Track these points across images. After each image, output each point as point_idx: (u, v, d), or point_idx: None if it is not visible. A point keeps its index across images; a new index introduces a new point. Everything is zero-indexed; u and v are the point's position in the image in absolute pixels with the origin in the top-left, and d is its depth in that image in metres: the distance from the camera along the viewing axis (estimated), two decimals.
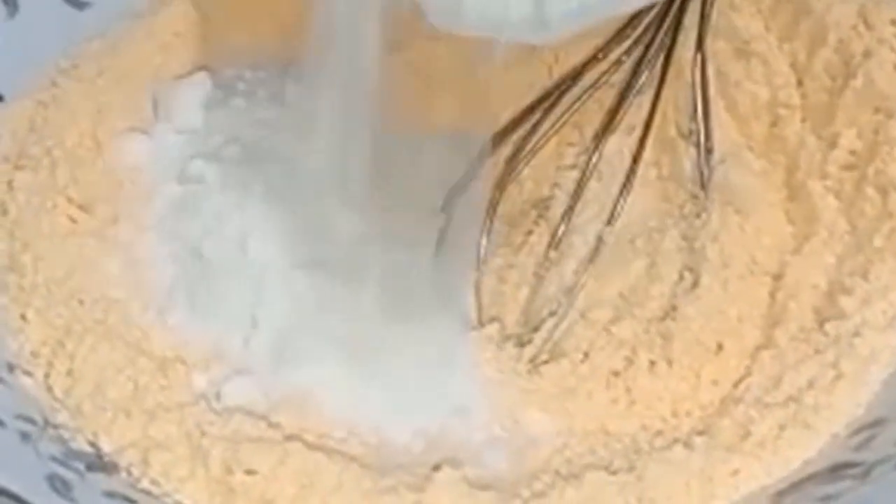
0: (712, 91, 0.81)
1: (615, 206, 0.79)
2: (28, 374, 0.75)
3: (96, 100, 0.84)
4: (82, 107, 0.84)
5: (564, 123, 0.82)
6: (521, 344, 0.78)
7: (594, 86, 0.83)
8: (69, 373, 0.75)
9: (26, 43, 0.84)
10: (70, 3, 0.86)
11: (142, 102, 0.86)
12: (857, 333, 0.74)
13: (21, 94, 0.84)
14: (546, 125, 0.82)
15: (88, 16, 0.86)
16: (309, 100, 0.77)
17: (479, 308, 0.79)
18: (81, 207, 0.81)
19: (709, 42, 0.82)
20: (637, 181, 0.80)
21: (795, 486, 0.70)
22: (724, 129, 0.82)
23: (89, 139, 0.83)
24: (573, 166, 0.83)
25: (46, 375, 0.75)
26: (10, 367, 0.75)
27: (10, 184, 0.81)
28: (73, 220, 0.80)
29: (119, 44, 0.86)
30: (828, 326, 0.75)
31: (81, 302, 0.77)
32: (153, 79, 0.86)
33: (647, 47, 0.82)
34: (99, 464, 0.72)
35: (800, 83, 0.82)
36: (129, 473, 0.72)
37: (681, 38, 0.82)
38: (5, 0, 0.84)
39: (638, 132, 0.82)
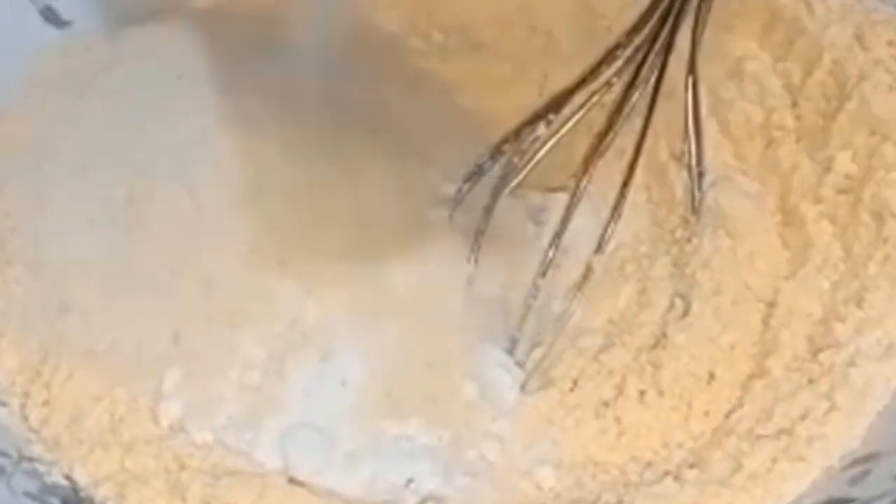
0: (704, 112, 0.80)
1: (604, 232, 0.77)
2: (3, 404, 0.74)
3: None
4: None
5: (554, 145, 0.81)
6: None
7: (584, 107, 0.81)
8: (46, 403, 0.73)
9: (5, 61, 0.83)
10: (50, 22, 0.85)
11: (124, 119, 0.84)
12: (851, 363, 0.73)
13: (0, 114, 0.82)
14: (535, 147, 0.81)
15: (68, 35, 0.85)
16: None
17: None
18: None
19: (701, 62, 0.80)
20: (627, 205, 0.78)
21: None
22: (716, 151, 0.80)
23: None
24: (562, 189, 0.81)
25: (22, 406, 0.74)
26: None
27: None
28: None
29: (99, 62, 0.84)
30: (822, 356, 0.73)
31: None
32: (134, 96, 0.84)
33: (639, 68, 0.81)
34: (74, 499, 0.70)
35: (794, 104, 0.80)
36: None
37: (672, 58, 0.80)
38: None
39: (629, 155, 0.80)
